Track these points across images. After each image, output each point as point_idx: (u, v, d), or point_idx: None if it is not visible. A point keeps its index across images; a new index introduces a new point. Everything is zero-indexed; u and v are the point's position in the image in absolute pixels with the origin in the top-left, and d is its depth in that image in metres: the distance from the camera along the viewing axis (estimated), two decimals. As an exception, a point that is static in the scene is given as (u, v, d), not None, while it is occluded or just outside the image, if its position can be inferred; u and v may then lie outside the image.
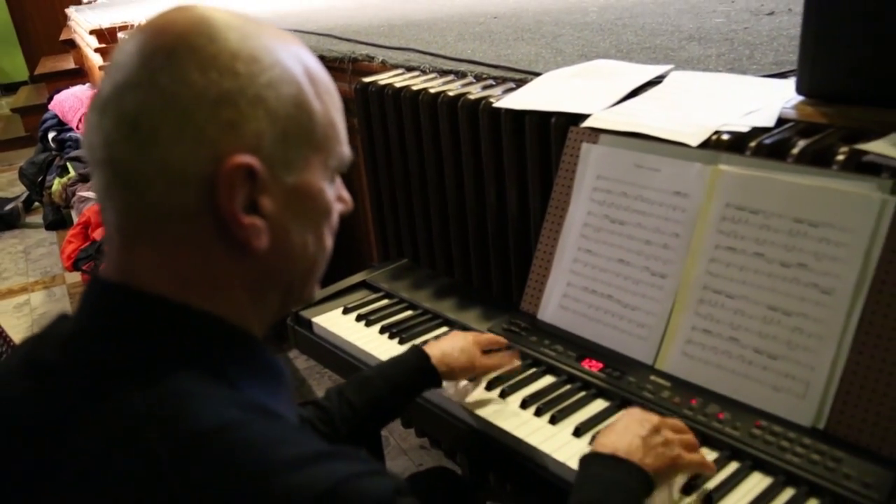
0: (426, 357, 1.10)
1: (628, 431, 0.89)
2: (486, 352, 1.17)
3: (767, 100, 1.17)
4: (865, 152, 0.97)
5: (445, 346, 1.13)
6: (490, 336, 1.20)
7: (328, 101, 0.64)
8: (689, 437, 0.94)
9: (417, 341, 1.30)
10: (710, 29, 1.80)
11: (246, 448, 0.52)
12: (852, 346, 0.94)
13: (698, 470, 0.92)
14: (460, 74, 1.64)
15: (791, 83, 1.18)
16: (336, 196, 0.68)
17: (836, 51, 1.08)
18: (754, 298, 1.03)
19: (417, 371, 1.09)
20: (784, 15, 1.84)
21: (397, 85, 1.64)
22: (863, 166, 0.97)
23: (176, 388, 0.55)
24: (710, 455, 0.97)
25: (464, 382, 1.16)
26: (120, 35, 3.77)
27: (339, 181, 0.69)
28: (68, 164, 4.03)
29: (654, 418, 0.92)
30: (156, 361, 0.57)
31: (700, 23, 1.90)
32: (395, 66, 1.81)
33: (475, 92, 1.48)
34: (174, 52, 0.57)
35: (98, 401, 0.55)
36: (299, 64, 0.62)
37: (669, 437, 0.90)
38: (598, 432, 1.01)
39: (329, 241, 0.69)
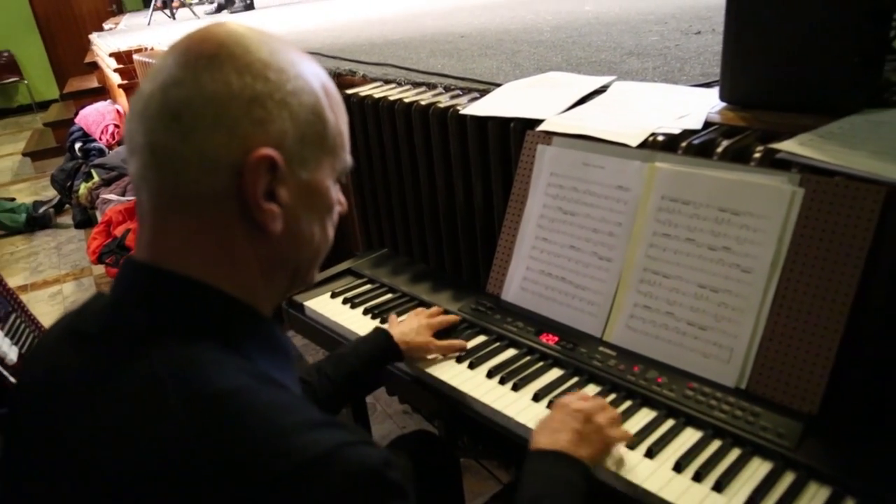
0: (389, 336, 1.12)
1: (564, 426, 0.85)
2: (440, 334, 1.18)
3: (695, 106, 1.16)
4: (778, 151, 0.96)
5: (404, 327, 1.15)
6: (442, 318, 1.20)
7: (339, 114, 0.64)
8: (614, 413, 0.91)
9: (396, 321, 1.28)
10: (647, 46, 1.79)
11: (253, 411, 0.51)
12: (769, 317, 0.94)
13: (623, 441, 0.90)
14: (431, 86, 1.62)
15: (715, 92, 1.17)
16: (336, 196, 0.67)
17: (752, 65, 1.08)
18: (687, 278, 1.02)
19: (383, 348, 1.11)
20: (709, 34, 1.83)
21: (376, 96, 1.61)
22: (776, 163, 0.96)
23: (194, 356, 0.55)
24: (649, 414, 0.97)
25: None
26: (135, 57, 3.68)
27: (337, 187, 0.68)
28: (93, 171, 3.95)
29: (584, 408, 0.88)
30: (178, 332, 0.56)
31: (638, 40, 1.88)
32: (375, 80, 1.78)
33: (444, 101, 1.46)
34: (216, 58, 0.57)
35: (127, 364, 0.54)
36: (317, 79, 0.62)
37: (599, 423, 0.87)
38: (553, 398, 1.00)
39: (331, 233, 0.68)
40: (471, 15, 3.09)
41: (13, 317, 1.79)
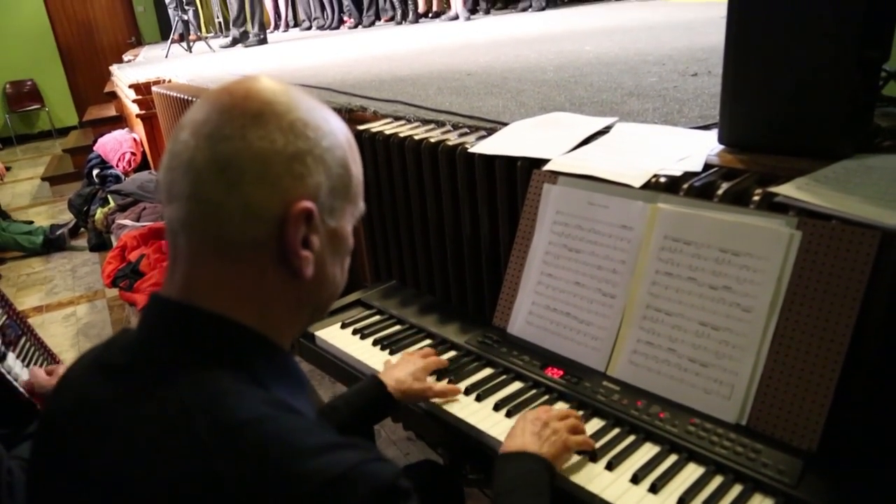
0: (383, 387, 1.10)
1: (525, 432, 0.93)
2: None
3: (695, 148, 1.17)
4: (776, 194, 0.97)
5: (400, 373, 1.12)
6: (436, 360, 1.19)
7: (358, 164, 0.68)
8: (572, 421, 0.97)
9: (405, 353, 1.27)
10: (646, 87, 1.80)
11: (274, 438, 0.53)
12: (768, 355, 0.94)
13: (583, 448, 0.95)
14: (440, 123, 1.63)
15: (713, 134, 1.18)
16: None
17: (749, 111, 1.09)
18: (688, 315, 1.02)
19: (377, 400, 1.09)
20: (705, 76, 1.85)
21: (387, 132, 1.62)
22: (774, 206, 0.97)
23: (218, 387, 0.56)
24: (652, 449, 0.96)
25: None
26: (154, 89, 3.73)
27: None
28: (109, 197, 3.98)
29: (542, 416, 0.96)
30: (203, 364, 0.58)
31: (638, 81, 1.90)
32: (385, 116, 1.79)
33: (453, 139, 1.47)
34: (261, 116, 0.59)
35: (153, 395, 0.56)
36: (343, 134, 0.65)
37: (556, 427, 0.94)
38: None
39: (346, 273, 0.70)
40: (475, 53, 3.13)
41: (23, 340, 1.79)
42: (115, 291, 3.11)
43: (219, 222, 0.58)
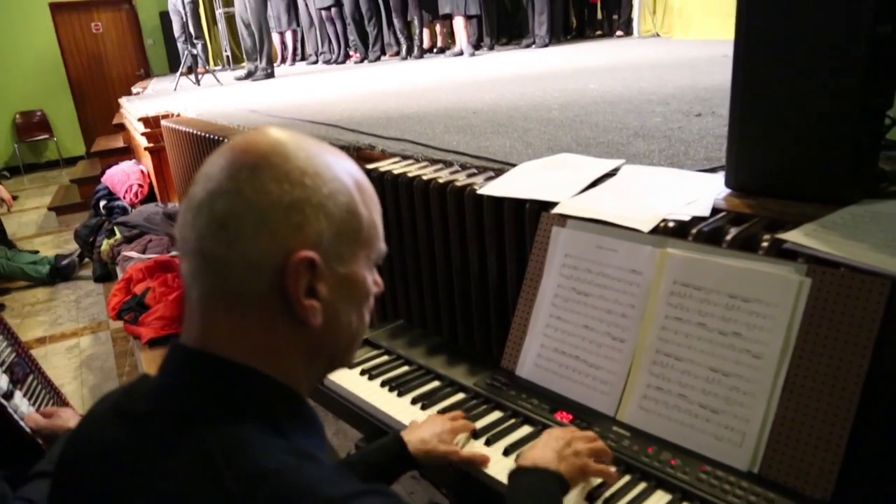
0: (404, 446, 1.05)
1: (546, 447, 0.94)
2: None
3: (702, 192, 1.18)
4: (784, 241, 0.98)
5: (425, 433, 1.07)
6: (465, 424, 1.12)
7: (372, 207, 0.66)
8: (599, 445, 0.97)
9: (413, 394, 1.26)
10: (651, 127, 1.82)
11: (297, 487, 0.54)
12: (779, 402, 0.94)
13: (602, 476, 0.95)
14: (448, 163, 1.65)
15: (720, 177, 1.19)
16: (372, 280, 0.69)
17: (756, 155, 1.11)
18: (698, 361, 1.02)
19: (396, 458, 1.05)
20: (709, 117, 1.87)
21: (395, 172, 1.64)
22: (783, 252, 0.98)
23: (242, 437, 0.57)
24: (664, 497, 0.95)
25: None
26: (163, 123, 3.79)
27: (373, 269, 0.70)
28: (115, 228, 4.01)
29: (567, 434, 0.97)
30: (226, 414, 0.58)
31: (643, 121, 1.92)
32: (393, 155, 1.82)
33: (461, 179, 1.49)
34: (256, 168, 0.60)
35: (178, 443, 0.57)
36: (351, 178, 0.65)
37: (579, 449, 0.94)
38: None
39: (367, 318, 0.70)
40: (480, 90, 3.18)
41: (31, 378, 1.79)
42: (118, 323, 3.11)
43: (223, 276, 0.60)
